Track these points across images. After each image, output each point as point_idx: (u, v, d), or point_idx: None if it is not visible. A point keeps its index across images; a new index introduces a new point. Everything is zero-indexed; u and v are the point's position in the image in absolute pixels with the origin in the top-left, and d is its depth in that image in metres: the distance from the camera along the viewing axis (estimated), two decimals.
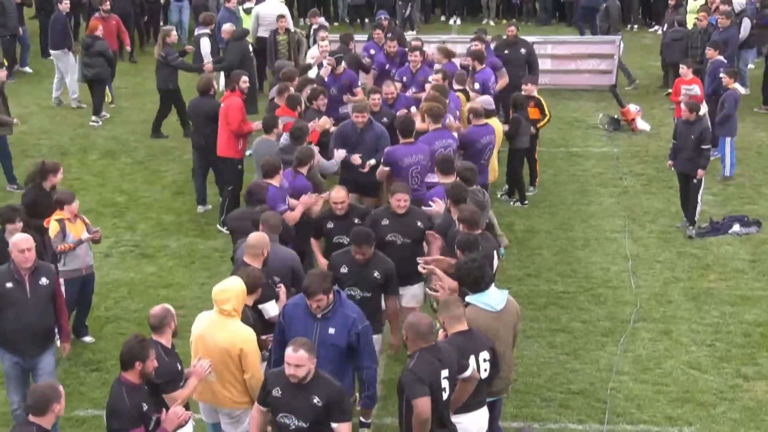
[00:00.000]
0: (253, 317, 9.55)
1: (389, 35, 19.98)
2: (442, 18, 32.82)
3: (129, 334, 12.40)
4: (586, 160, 19.44)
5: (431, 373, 8.29)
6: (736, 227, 15.96)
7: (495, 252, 10.88)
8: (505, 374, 9.42)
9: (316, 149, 13.70)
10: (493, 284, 9.54)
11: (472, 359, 8.71)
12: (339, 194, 11.81)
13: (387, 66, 19.21)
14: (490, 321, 9.23)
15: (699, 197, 15.74)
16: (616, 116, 21.47)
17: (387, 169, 13.56)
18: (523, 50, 19.95)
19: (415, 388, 8.23)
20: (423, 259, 11.00)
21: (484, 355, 8.86)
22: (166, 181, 18.47)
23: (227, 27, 20.96)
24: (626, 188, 18.11)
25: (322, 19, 24.07)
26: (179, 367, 8.84)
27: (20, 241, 10.18)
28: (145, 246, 15.68)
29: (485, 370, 8.87)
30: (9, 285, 10.14)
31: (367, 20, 30.23)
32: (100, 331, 12.95)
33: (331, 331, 9.18)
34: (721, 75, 18.36)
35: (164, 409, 8.46)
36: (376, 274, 10.47)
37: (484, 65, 17.78)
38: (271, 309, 10.03)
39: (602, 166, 19.24)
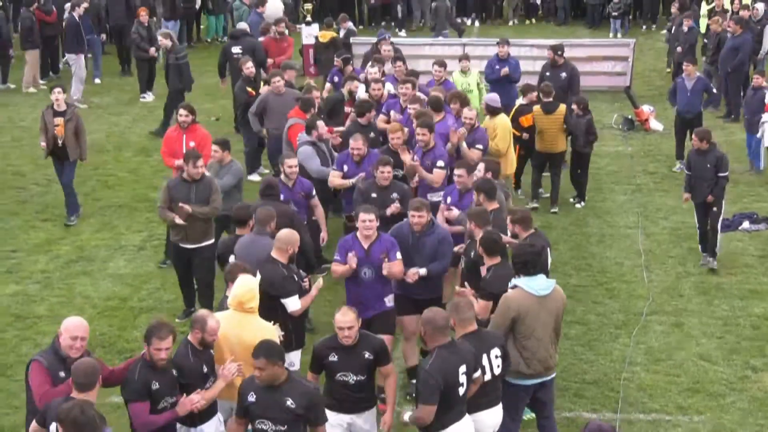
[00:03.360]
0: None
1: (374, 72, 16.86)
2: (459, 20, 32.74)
3: None
4: (601, 158, 19.37)
5: (448, 370, 8.29)
6: (746, 224, 15.91)
7: (548, 248, 11.01)
8: (542, 356, 9.40)
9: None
10: (543, 273, 9.62)
11: (484, 357, 8.73)
12: (346, 318, 8.74)
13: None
14: (532, 304, 9.28)
15: (719, 225, 14.74)
16: (630, 117, 21.43)
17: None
18: (563, 74, 18.67)
19: (425, 394, 8.24)
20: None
21: (495, 351, 8.87)
22: None
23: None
24: (640, 186, 18.08)
25: (349, 24, 24.11)
26: (204, 370, 8.73)
27: (75, 326, 8.39)
28: None
29: (498, 366, 8.88)
30: (62, 374, 8.30)
31: (383, 23, 30.58)
32: (134, 321, 13.00)
33: None
34: (755, 75, 18.58)
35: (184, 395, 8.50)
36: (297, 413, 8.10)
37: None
38: (292, 304, 10.06)
39: (617, 165, 19.21)
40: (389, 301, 10.84)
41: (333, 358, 8.81)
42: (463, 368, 8.37)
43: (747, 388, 11.51)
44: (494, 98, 15.52)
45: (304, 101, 15.18)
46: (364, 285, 10.69)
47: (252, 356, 7.99)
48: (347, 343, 8.76)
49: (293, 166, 12.82)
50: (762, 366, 11.98)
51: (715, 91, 18.77)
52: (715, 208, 14.48)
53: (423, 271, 10.79)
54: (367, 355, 8.87)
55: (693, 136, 14.81)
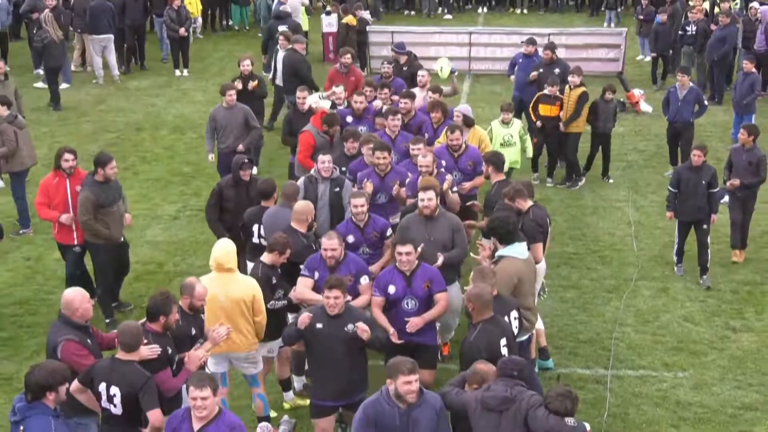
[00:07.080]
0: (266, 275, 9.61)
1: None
2: (468, 6, 32.43)
3: None
4: None
5: (492, 343, 8.26)
6: (727, 198, 15.80)
7: (548, 219, 10.99)
8: (535, 311, 9.57)
9: None
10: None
11: (505, 319, 8.74)
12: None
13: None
14: (521, 266, 9.44)
15: (708, 240, 13.25)
16: (622, 99, 21.32)
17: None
18: (557, 70, 17.61)
19: (466, 362, 8.14)
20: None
21: (514, 314, 8.94)
22: None
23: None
24: (630, 163, 18.02)
25: (366, 13, 23.91)
26: (192, 332, 8.72)
27: (69, 297, 8.44)
28: None
29: (516, 327, 8.92)
30: (89, 342, 8.40)
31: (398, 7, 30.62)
32: (169, 284, 13.03)
33: None
34: (744, 62, 18.38)
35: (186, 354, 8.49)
36: None
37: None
38: None
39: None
40: None
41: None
42: (503, 341, 8.36)
43: (726, 347, 11.55)
44: (468, 109, 14.18)
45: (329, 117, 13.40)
46: None
47: None
48: None
49: (359, 205, 10.40)
50: (740, 327, 12.00)
51: (706, 103, 17.82)
52: (705, 226, 13.10)
53: None
54: None
55: (693, 150, 13.12)
